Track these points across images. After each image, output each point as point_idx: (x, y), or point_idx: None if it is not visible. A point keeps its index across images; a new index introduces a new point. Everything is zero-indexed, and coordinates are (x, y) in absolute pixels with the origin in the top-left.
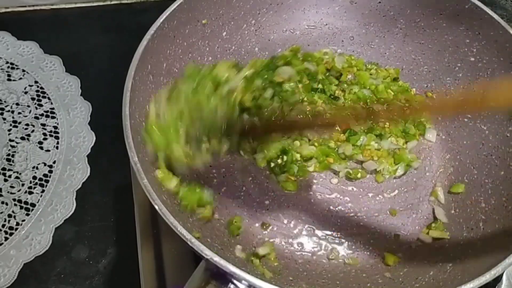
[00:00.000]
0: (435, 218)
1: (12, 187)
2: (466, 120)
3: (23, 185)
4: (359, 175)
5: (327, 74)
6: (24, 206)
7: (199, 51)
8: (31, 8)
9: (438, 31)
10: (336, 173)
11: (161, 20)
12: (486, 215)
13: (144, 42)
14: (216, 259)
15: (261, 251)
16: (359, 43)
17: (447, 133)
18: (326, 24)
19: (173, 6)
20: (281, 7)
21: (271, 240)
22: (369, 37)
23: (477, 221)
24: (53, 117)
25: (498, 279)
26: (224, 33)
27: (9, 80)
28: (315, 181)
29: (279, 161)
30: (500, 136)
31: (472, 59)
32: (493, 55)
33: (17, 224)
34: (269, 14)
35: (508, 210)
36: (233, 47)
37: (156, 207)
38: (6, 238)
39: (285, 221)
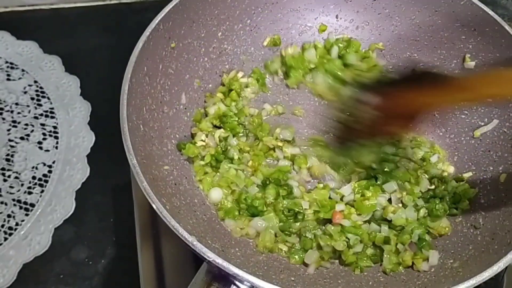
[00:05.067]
0: None
1: (11, 187)
2: (463, 116)
3: (22, 185)
4: None
5: None
6: (24, 206)
7: (195, 51)
8: (31, 8)
9: (433, 28)
10: None
11: (156, 22)
12: (486, 211)
13: (139, 44)
14: (219, 261)
15: None
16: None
17: (445, 129)
18: (321, 23)
19: (168, 7)
20: (276, 6)
21: None
22: (364, 35)
23: (477, 217)
24: (52, 117)
25: (500, 279)
26: (220, 33)
27: (8, 79)
28: None
29: None
30: (498, 132)
31: (468, 55)
32: (489, 51)
33: (17, 224)
34: (264, 14)
35: (508, 206)
36: (229, 47)
37: (156, 209)
38: (6, 239)
39: None
